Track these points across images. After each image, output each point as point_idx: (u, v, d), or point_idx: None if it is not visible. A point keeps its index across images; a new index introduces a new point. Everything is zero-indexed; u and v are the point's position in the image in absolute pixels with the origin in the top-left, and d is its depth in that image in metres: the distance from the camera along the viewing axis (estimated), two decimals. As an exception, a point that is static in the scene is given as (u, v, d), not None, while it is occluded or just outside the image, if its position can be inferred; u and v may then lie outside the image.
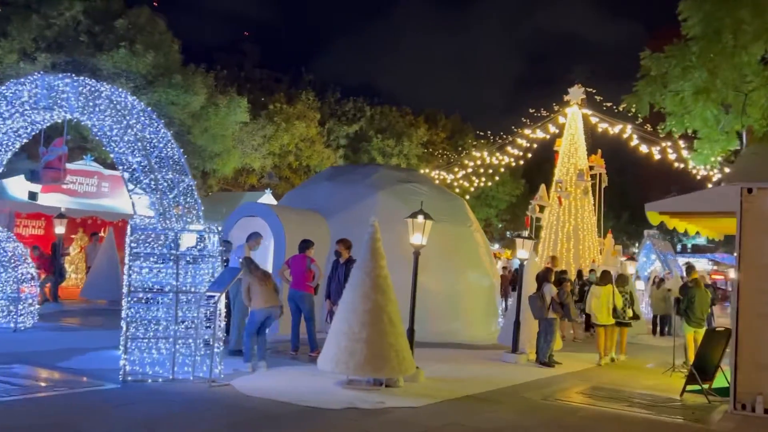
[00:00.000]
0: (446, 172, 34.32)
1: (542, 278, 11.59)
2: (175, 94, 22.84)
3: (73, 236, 21.09)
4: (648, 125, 29.60)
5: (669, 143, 27.22)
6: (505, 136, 33.32)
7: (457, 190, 31.77)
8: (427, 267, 14.63)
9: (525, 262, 12.38)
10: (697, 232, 11.93)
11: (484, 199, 43.03)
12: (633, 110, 10.61)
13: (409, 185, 15.75)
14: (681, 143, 28.51)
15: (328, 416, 6.90)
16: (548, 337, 11.32)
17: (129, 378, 7.85)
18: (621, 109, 29.94)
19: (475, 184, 35.13)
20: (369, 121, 37.02)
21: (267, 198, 26.92)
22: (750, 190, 8.53)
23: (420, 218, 9.35)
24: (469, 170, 33.63)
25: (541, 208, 29.97)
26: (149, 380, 7.89)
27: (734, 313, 8.48)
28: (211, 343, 7.94)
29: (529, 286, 12.13)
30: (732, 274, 29.05)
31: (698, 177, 27.78)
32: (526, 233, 14.65)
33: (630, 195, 53.73)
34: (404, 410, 7.34)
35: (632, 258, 22.31)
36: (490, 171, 34.78)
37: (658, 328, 19.46)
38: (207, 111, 24.58)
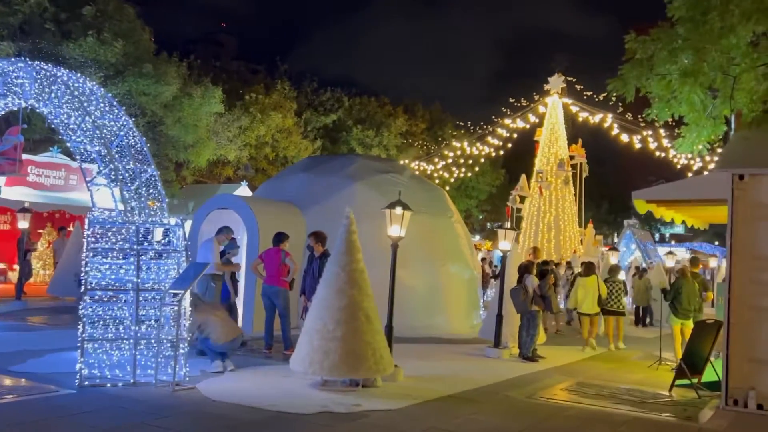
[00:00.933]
0: (426, 162, 33.93)
1: (524, 270, 11.22)
2: (146, 84, 22.10)
3: (40, 231, 20.34)
4: (629, 114, 29.45)
5: (650, 132, 27.04)
6: (485, 126, 33.01)
7: (437, 181, 31.38)
8: (406, 260, 14.21)
9: (507, 254, 11.98)
10: (683, 221, 11.62)
11: (464, 190, 42.72)
12: (617, 94, 10.21)
13: (388, 176, 15.30)
14: (662, 132, 28.42)
15: (300, 422, 6.43)
16: (531, 331, 10.95)
17: (86, 383, 7.31)
18: (602, 97, 29.80)
19: (455, 175, 34.79)
20: (347, 112, 36.44)
21: (243, 190, 26.31)
22: (741, 177, 8.18)
23: (398, 209, 8.88)
24: (449, 161, 33.26)
25: (522, 199, 29.72)
26: (108, 384, 7.36)
27: (726, 305, 8.14)
28: (176, 343, 7.42)
29: (512, 278, 11.75)
30: (713, 263, 28.96)
31: (678, 166, 27.66)
32: (508, 224, 14.29)
33: (609, 185, 53.76)
34: (381, 413, 6.89)
35: (614, 248, 22.04)
36: (470, 161, 34.46)
37: (641, 319, 19.23)
38: (180, 101, 23.86)
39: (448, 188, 32.30)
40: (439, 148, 35.84)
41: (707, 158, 21.28)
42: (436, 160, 33.87)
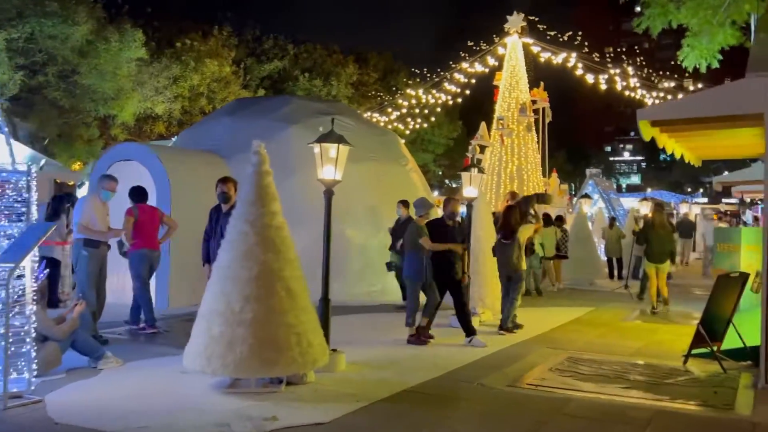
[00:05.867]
0: (379, 113, 31.61)
1: (510, 218, 9.10)
2: (51, 25, 19.06)
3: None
4: (596, 54, 27.51)
5: (618, 70, 25.20)
6: (441, 72, 30.71)
7: (391, 134, 29.12)
8: (353, 215, 12.04)
9: (473, 203, 9.88)
10: (683, 156, 9.68)
11: (420, 144, 40.59)
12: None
13: (330, 118, 12.94)
14: (630, 70, 26.58)
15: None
16: (514, 295, 8.96)
17: None
18: (566, 37, 27.71)
19: (411, 126, 32.59)
20: (293, 61, 33.64)
21: (176, 147, 23.62)
22: (784, 83, 6.17)
23: (332, 145, 6.64)
24: (404, 110, 31.01)
25: (482, 149, 27.69)
26: None
27: (765, 257, 6.20)
28: (5, 342, 5.11)
29: (481, 231, 9.70)
30: (684, 209, 27.57)
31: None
32: (474, 170, 12.21)
33: (567, 133, 52.32)
34: (307, 430, 4.76)
35: (587, 196, 20.33)
36: (426, 111, 32.27)
37: (615, 272, 17.54)
38: (96, 46, 20.87)
39: (403, 141, 30.15)
40: (393, 98, 33.46)
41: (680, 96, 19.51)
42: (390, 110, 31.60)
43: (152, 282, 10.65)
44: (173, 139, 24.32)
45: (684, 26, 8.60)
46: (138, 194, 8.49)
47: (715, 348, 7.16)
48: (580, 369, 6.85)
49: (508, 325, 8.93)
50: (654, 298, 11.40)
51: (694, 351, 7.23)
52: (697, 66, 8.27)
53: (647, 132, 7.11)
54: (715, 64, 8.18)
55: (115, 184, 7.86)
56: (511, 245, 8.97)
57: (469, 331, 8.13)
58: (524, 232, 9.25)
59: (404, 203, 10.79)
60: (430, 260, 8.10)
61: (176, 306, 10.27)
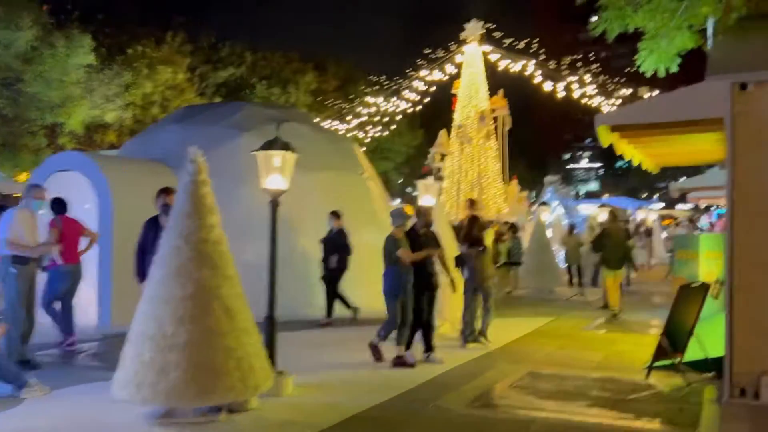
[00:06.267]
0: (339, 121, 31.25)
1: (472, 229, 8.76)
2: (-7, 31, 18.32)
3: None
4: (553, 61, 27.65)
5: (575, 77, 25.36)
6: (400, 80, 30.52)
7: (351, 143, 28.78)
8: (306, 227, 11.62)
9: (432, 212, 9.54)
10: (640, 163, 9.53)
11: (381, 152, 40.32)
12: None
13: (285, 125, 12.49)
14: (587, 78, 26.77)
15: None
16: (473, 305, 8.65)
17: None
18: (523, 44, 27.76)
19: (371, 134, 32.32)
20: (250, 68, 33.06)
21: (127, 157, 22.83)
22: (744, 86, 5.98)
23: (277, 152, 6.24)
24: (363, 118, 30.72)
25: (442, 157, 27.60)
26: None
27: (729, 262, 5.99)
28: None
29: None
30: (640, 215, 27.85)
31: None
32: (430, 178, 11.97)
33: (527, 141, 52.66)
34: (245, 466, 4.34)
35: (545, 203, 20.26)
36: (386, 119, 32.04)
37: (575, 279, 17.40)
38: (41, 53, 20.10)
39: (363, 150, 29.88)
40: (352, 106, 33.16)
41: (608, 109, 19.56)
42: (350, 118, 31.29)
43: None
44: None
45: (641, 30, 8.44)
46: (60, 205, 7.97)
47: (677, 360, 6.94)
48: (541, 385, 6.55)
49: (471, 338, 8.62)
50: (615, 304, 11.57)
51: (658, 364, 7.00)
52: (656, 71, 8.11)
53: (606, 138, 6.87)
54: (674, 69, 8.03)
55: (45, 192, 7.32)
56: (482, 253, 8.65)
57: (430, 347, 7.79)
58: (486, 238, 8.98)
59: (335, 214, 10.48)
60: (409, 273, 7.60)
61: (120, 324, 9.67)
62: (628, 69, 12.08)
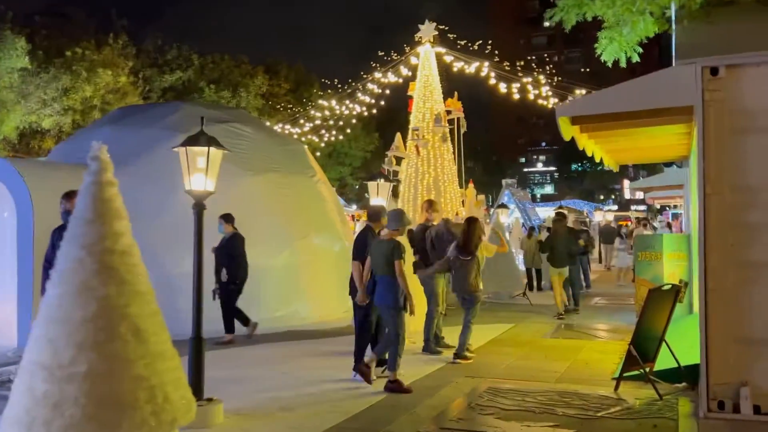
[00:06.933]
0: (291, 125, 30.45)
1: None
2: None
3: None
4: (506, 63, 27.40)
5: (529, 79, 25.10)
6: (354, 84, 29.90)
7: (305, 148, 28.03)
8: (255, 233, 10.81)
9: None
10: (601, 159, 9.09)
11: (337, 157, 39.70)
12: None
13: (226, 126, 11.68)
14: (542, 79, 26.58)
15: None
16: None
17: None
18: (477, 46, 27.47)
19: (326, 139, 31.61)
20: (198, 72, 31.98)
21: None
22: (714, 71, 5.51)
23: (201, 148, 5.51)
24: (318, 122, 29.98)
25: (398, 160, 27.08)
26: None
27: (701, 265, 5.49)
28: None
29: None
30: (598, 217, 27.78)
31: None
32: (381, 180, 11.31)
33: (483, 144, 52.71)
34: None
35: (503, 206, 19.87)
36: (341, 123, 31.38)
37: (535, 283, 16.98)
38: (-30, 56, 18.87)
39: (318, 155, 29.15)
40: (305, 110, 32.37)
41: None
42: (303, 122, 30.52)
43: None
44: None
45: (600, 19, 7.98)
46: None
47: (648, 369, 6.44)
48: (503, 403, 5.94)
49: (434, 348, 8.02)
50: (560, 304, 11.55)
51: (627, 374, 6.48)
52: (617, 60, 7.66)
53: (567, 131, 6.35)
54: (636, 58, 7.58)
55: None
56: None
57: (384, 361, 7.13)
58: (483, 251, 8.29)
59: (226, 218, 9.27)
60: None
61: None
62: (583, 69, 11.73)
